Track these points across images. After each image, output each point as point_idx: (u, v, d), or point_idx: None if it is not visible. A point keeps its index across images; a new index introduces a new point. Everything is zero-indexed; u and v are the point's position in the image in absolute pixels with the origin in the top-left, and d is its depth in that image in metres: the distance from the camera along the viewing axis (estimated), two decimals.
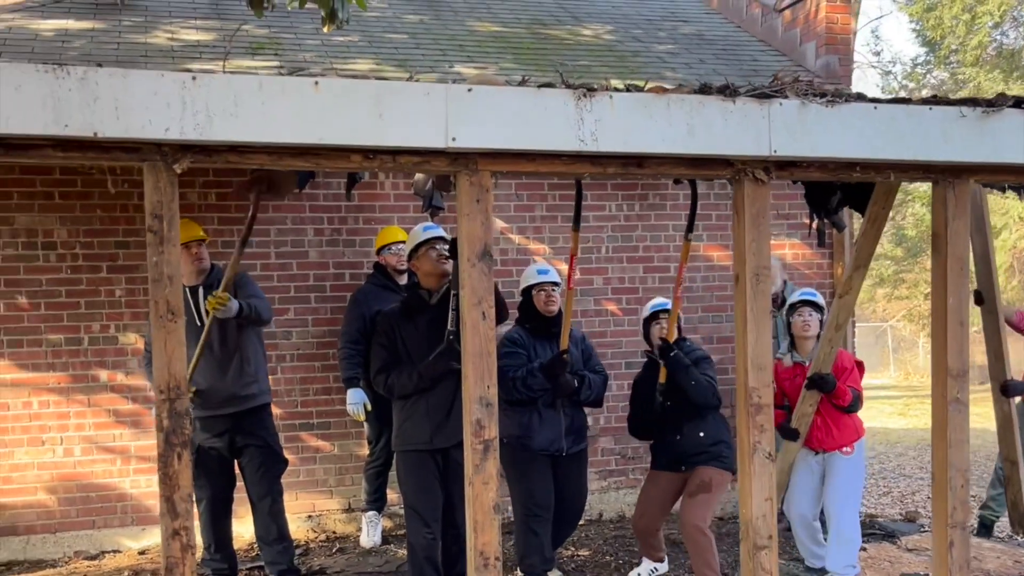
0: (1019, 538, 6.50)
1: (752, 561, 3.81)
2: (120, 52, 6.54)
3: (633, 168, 3.68)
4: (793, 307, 5.74)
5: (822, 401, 5.51)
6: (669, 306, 5.44)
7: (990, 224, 6.34)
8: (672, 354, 5.22)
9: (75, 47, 6.52)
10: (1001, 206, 18.94)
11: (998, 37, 20.91)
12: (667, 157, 3.63)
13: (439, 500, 5.01)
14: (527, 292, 5.48)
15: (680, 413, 5.33)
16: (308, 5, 6.32)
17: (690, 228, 5.09)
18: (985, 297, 6.24)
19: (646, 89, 3.55)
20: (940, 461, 4.06)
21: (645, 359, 5.73)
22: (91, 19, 7.11)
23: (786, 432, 5.60)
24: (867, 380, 6.56)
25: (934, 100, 3.84)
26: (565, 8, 8.80)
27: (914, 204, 22.86)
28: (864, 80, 30.61)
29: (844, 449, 5.52)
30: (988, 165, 3.88)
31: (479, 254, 3.54)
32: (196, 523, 4.22)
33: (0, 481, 6.25)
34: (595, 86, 3.54)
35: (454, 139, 3.36)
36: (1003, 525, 6.90)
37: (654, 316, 5.53)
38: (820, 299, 5.76)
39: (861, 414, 5.67)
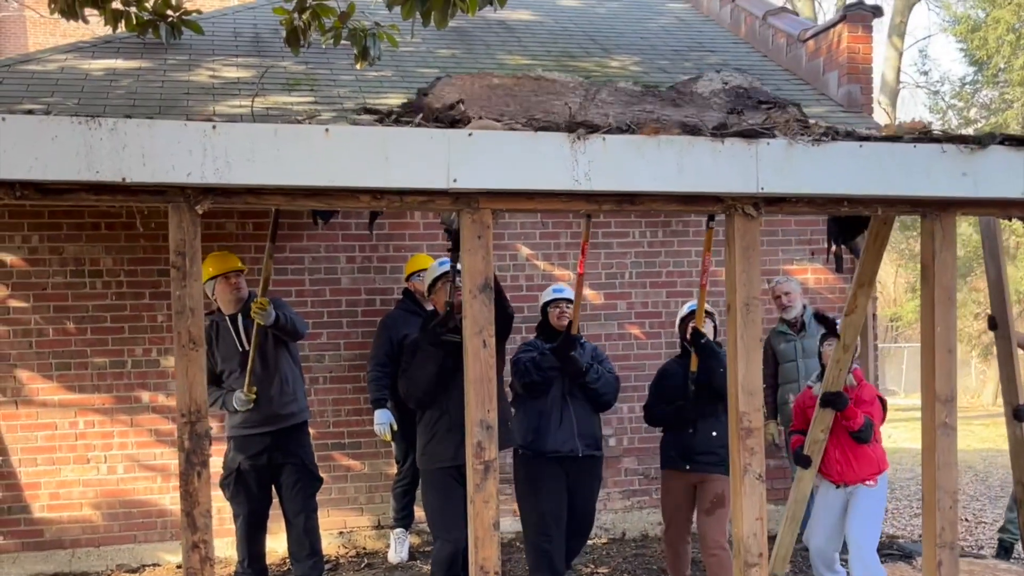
0: None
1: None
2: (164, 90, 6.92)
3: (627, 204, 3.89)
4: (824, 337, 5.82)
5: (840, 433, 5.51)
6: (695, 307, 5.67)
7: (1004, 251, 6.43)
8: (703, 340, 5.44)
9: (122, 86, 6.91)
10: None
11: None
12: (659, 194, 3.85)
13: (463, 514, 5.21)
14: (544, 309, 5.80)
15: (699, 408, 5.52)
16: (342, 43, 6.67)
17: (711, 216, 5.16)
18: (999, 322, 6.32)
19: (639, 130, 3.77)
20: (929, 483, 4.20)
21: (679, 351, 5.93)
22: (139, 58, 7.52)
23: (799, 459, 5.62)
24: (913, 401, 6.62)
25: (921, 138, 4.01)
26: (595, 40, 9.04)
27: (960, 223, 22.65)
28: (913, 100, 30.44)
29: (867, 482, 5.50)
30: (972, 200, 4.04)
31: (480, 287, 3.78)
32: (219, 537, 4.47)
33: (48, 497, 6.62)
34: (596, 124, 3.78)
35: (455, 180, 3.61)
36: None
37: (692, 314, 5.75)
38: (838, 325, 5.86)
39: (890, 443, 5.70)
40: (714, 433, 5.48)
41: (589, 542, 6.48)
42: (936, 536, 4.18)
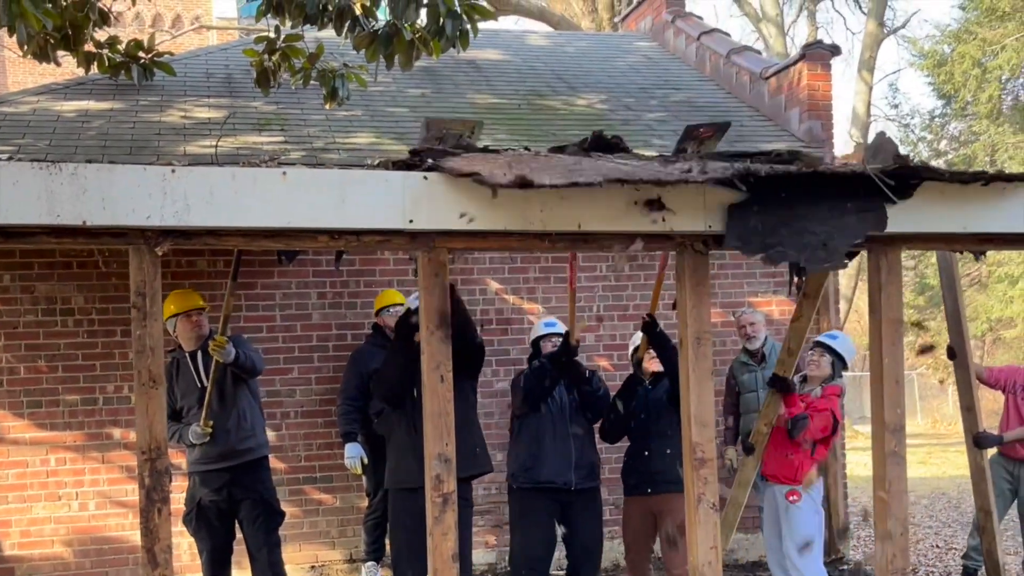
0: None
1: None
2: (135, 131, 7.03)
3: (580, 244, 4.02)
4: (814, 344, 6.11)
5: (780, 432, 5.76)
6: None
7: (960, 284, 6.60)
8: (657, 330, 5.58)
9: (93, 127, 7.01)
10: None
11: (1015, 90, 21.18)
12: (609, 234, 3.96)
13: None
14: (536, 343, 5.91)
15: (650, 429, 5.64)
16: (312, 83, 6.80)
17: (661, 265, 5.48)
18: (957, 352, 6.47)
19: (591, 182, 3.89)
20: (880, 512, 4.30)
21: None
22: (111, 99, 7.62)
23: (745, 446, 6.00)
24: None
25: (854, 174, 4.14)
26: (562, 78, 9.21)
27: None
28: (885, 133, 30.77)
29: (791, 498, 5.73)
30: (915, 235, 4.17)
31: (437, 323, 3.88)
32: (191, 572, 4.51)
33: (19, 535, 6.64)
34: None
35: (411, 221, 3.71)
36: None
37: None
38: (835, 342, 6.04)
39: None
40: (668, 451, 5.60)
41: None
42: (888, 563, 4.29)
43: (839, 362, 5.93)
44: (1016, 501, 6.86)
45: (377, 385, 5.41)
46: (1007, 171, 4.70)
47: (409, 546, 5.22)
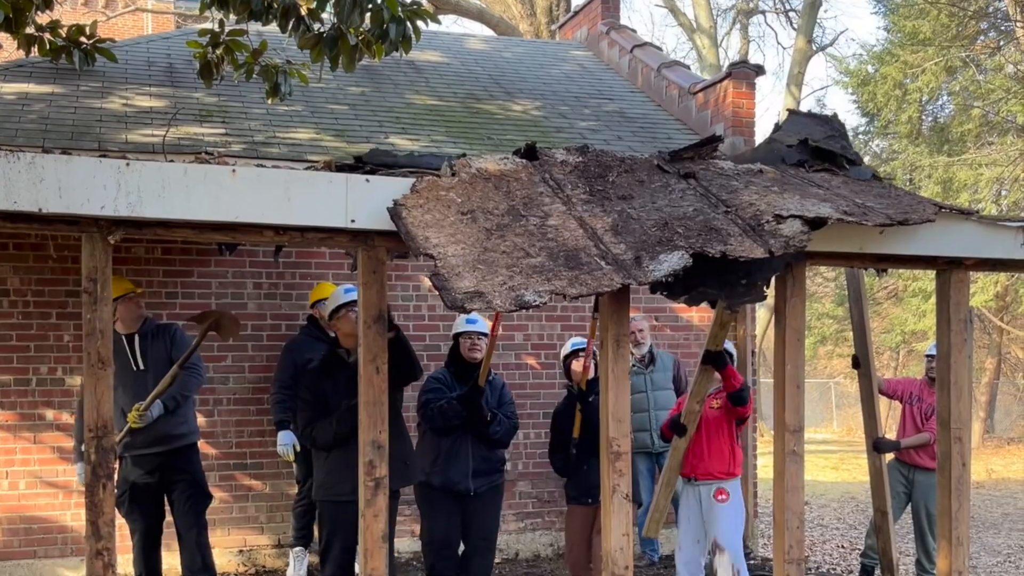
0: None
1: None
2: (76, 117, 7.10)
3: None
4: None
5: (700, 427, 5.95)
6: (585, 345, 6.00)
7: (866, 297, 6.99)
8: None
9: (34, 111, 7.07)
10: None
11: (933, 111, 22.01)
12: None
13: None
14: (456, 338, 6.00)
15: (591, 446, 5.89)
16: (254, 77, 6.93)
17: (596, 307, 5.42)
18: (861, 362, 6.86)
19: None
20: (779, 505, 4.65)
21: (565, 392, 6.29)
22: (51, 83, 7.67)
23: (676, 427, 5.99)
24: (809, 435, 7.10)
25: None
26: (499, 83, 9.47)
27: None
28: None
29: (720, 497, 5.94)
30: (819, 252, 4.52)
31: (374, 318, 4.12)
32: (120, 553, 4.65)
33: None
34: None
35: (353, 220, 3.95)
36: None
37: (573, 353, 6.15)
38: (731, 347, 6.36)
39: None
40: None
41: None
42: (785, 553, 4.63)
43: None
44: (910, 504, 7.30)
45: (311, 441, 5.39)
46: (921, 190, 5.10)
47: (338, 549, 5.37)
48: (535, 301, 3.47)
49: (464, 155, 4.50)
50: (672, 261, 3.78)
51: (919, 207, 4.52)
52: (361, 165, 4.21)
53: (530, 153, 4.59)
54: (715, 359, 5.73)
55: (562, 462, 6.08)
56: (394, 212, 3.88)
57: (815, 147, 5.18)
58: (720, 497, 5.97)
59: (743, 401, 5.88)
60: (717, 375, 5.85)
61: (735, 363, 6.27)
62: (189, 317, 6.34)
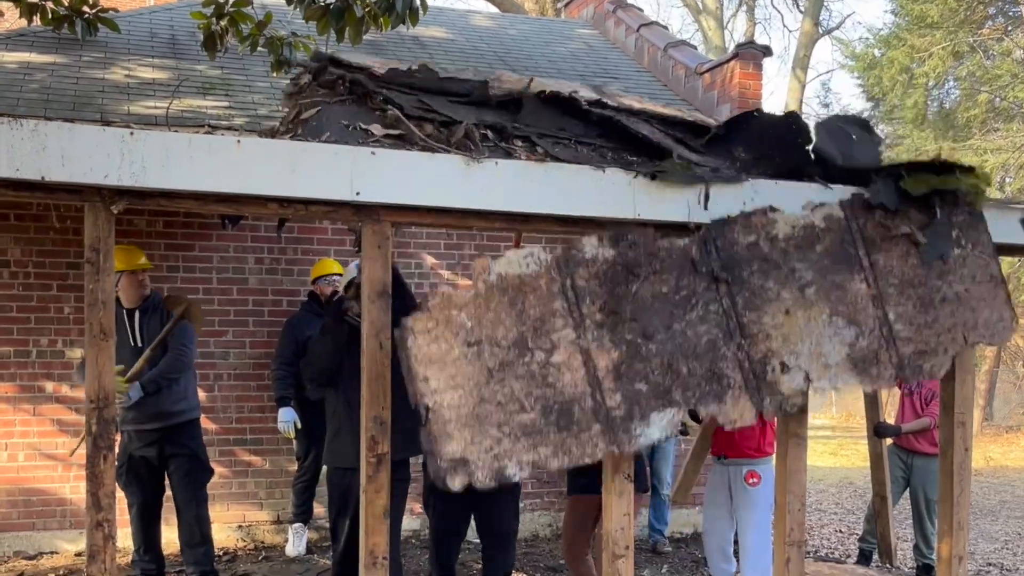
0: (887, 566, 7.11)
1: (611, 568, 4.35)
2: (79, 87, 7.05)
3: (518, 224, 4.25)
4: None
5: None
6: None
7: None
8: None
9: (36, 80, 7.01)
10: None
11: (939, 97, 21.91)
12: (547, 216, 4.19)
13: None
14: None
15: None
16: (259, 50, 6.88)
17: None
18: None
19: (526, 158, 4.12)
20: (781, 487, 4.63)
21: None
22: (53, 53, 7.61)
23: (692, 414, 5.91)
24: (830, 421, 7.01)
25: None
26: (505, 61, 9.40)
27: None
28: None
29: (751, 480, 5.67)
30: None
31: (378, 293, 4.08)
32: (119, 527, 4.64)
33: None
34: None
35: (358, 193, 3.90)
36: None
37: None
38: None
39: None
40: None
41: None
42: (786, 535, 4.62)
43: None
44: (908, 489, 7.30)
45: (305, 366, 5.37)
46: None
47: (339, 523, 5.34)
48: (515, 476, 3.63)
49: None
50: (661, 425, 3.92)
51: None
52: (367, 136, 4.15)
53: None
54: None
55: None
56: (400, 338, 3.75)
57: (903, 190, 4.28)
58: (752, 480, 5.70)
59: None
60: None
61: None
62: (164, 297, 6.29)
